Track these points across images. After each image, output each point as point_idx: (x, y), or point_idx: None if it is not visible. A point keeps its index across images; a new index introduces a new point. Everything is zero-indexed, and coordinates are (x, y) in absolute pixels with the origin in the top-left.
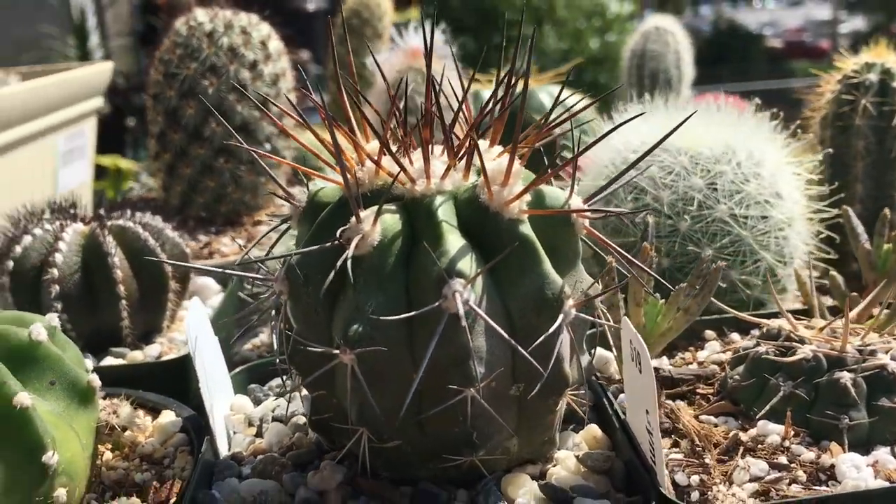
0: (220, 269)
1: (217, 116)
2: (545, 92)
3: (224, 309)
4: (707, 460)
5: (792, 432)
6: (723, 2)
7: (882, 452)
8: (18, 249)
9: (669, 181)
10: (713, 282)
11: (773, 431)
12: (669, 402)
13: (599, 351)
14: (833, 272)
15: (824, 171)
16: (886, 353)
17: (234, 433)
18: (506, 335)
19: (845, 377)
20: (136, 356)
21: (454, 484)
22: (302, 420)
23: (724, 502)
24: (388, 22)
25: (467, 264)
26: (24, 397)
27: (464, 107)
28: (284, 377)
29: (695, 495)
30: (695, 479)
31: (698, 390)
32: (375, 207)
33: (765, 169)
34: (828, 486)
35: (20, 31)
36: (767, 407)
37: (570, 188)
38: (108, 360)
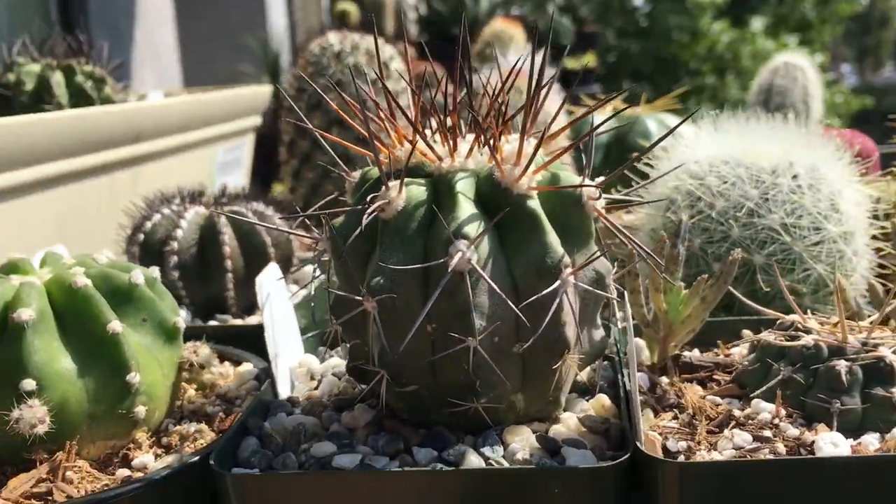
0: (286, 230)
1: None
2: (653, 119)
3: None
4: (700, 431)
5: (783, 412)
6: None
7: (869, 437)
8: (149, 225)
9: (724, 190)
10: (730, 272)
11: (765, 410)
12: (680, 382)
13: (635, 340)
14: (873, 280)
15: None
16: (889, 347)
17: (297, 384)
18: (497, 289)
19: (841, 364)
20: (236, 322)
21: (465, 431)
22: None
23: (694, 459)
24: (521, 51)
25: (473, 228)
26: (116, 324)
27: (497, 100)
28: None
29: (679, 458)
30: (682, 444)
31: (715, 376)
32: (399, 180)
33: (825, 184)
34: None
35: (224, 71)
36: (764, 388)
37: (584, 173)
38: (212, 323)
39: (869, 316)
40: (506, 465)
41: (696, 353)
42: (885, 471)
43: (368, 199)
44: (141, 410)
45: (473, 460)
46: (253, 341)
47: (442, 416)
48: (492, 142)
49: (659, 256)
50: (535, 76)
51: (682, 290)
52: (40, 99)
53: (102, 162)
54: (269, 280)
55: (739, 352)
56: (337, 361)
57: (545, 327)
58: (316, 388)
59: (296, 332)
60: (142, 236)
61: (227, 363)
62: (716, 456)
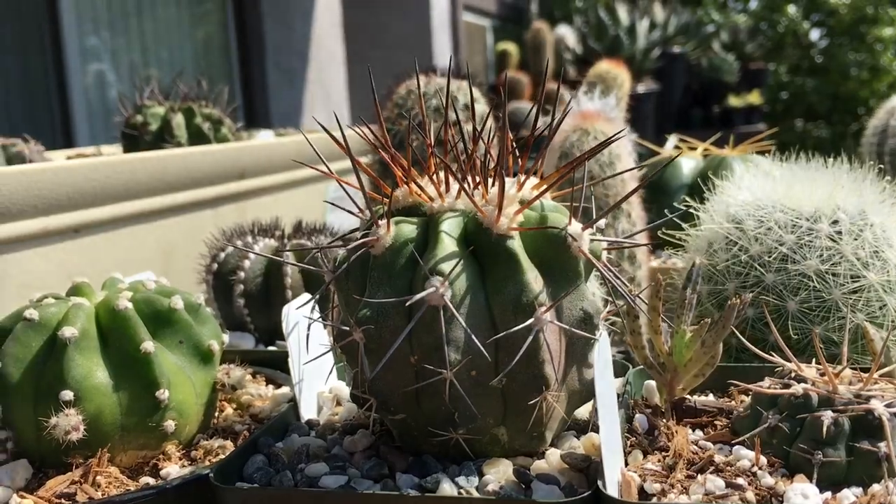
0: (295, 264)
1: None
2: (740, 160)
3: None
4: (677, 474)
5: (764, 460)
6: None
7: (847, 492)
8: (222, 256)
9: (759, 234)
10: (729, 317)
11: (746, 457)
12: (675, 425)
13: (649, 382)
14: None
15: None
16: (883, 401)
17: (324, 409)
18: (463, 323)
19: (826, 415)
20: None
21: (452, 461)
22: None
23: (661, 502)
24: (625, 92)
25: (448, 266)
26: (148, 345)
27: (489, 144)
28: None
29: (652, 500)
30: (656, 486)
31: (716, 422)
32: (388, 219)
33: (869, 231)
34: None
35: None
36: (749, 434)
37: (570, 215)
38: (271, 349)
39: None
40: (476, 494)
41: (710, 398)
42: None
43: (360, 234)
44: (170, 425)
45: (447, 488)
46: None
47: (430, 446)
48: (473, 184)
49: (656, 298)
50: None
51: (685, 333)
52: (162, 139)
53: (207, 196)
54: (296, 309)
55: (747, 403)
56: None
57: (524, 364)
58: (338, 413)
59: (330, 358)
60: (216, 266)
61: (270, 386)
62: (682, 499)
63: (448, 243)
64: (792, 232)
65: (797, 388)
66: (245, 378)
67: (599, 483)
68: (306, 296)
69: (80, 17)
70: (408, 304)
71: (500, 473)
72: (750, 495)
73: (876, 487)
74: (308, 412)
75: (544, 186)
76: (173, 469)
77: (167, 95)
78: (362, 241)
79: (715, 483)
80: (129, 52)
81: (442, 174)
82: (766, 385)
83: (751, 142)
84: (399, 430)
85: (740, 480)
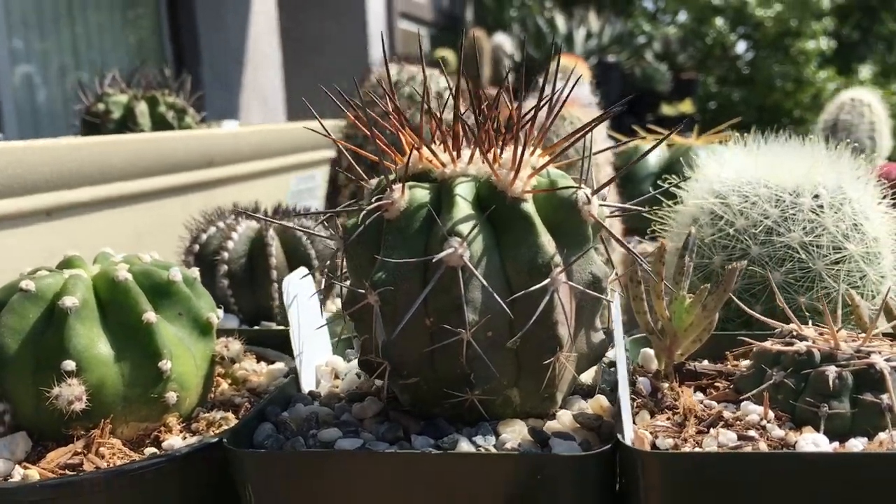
0: (310, 232)
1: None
2: (705, 149)
3: None
4: (689, 430)
5: (771, 414)
6: None
7: (855, 441)
8: (203, 237)
9: (744, 208)
10: (730, 280)
11: (754, 411)
12: (679, 387)
13: (645, 350)
14: (890, 298)
15: None
16: (882, 355)
17: (322, 381)
18: (484, 282)
19: (830, 370)
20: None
21: (464, 423)
22: None
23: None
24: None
25: (466, 227)
26: (150, 315)
27: (495, 111)
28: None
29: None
30: (668, 441)
31: (716, 384)
32: (402, 183)
33: (848, 205)
34: None
35: (327, 116)
36: (755, 391)
37: (581, 179)
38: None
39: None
40: (495, 452)
41: (706, 363)
42: (860, 467)
43: (373, 199)
44: (172, 396)
45: (465, 448)
46: (290, 345)
47: (443, 409)
48: (491, 149)
49: (659, 263)
50: (543, 93)
51: (686, 299)
52: (125, 127)
53: (176, 184)
54: (296, 281)
55: (747, 364)
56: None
57: (537, 324)
58: (338, 386)
59: (325, 333)
60: (197, 247)
61: (262, 363)
62: (696, 450)
63: (464, 206)
64: (776, 206)
65: (800, 346)
66: (243, 352)
67: (619, 436)
68: (303, 269)
69: (9, 19)
70: (433, 261)
71: (515, 433)
72: (763, 445)
73: (882, 435)
74: (308, 384)
75: (554, 152)
76: (175, 440)
77: (128, 83)
78: (377, 204)
79: (727, 436)
80: (60, 54)
81: (450, 142)
82: (769, 345)
83: (714, 132)
84: (411, 395)
85: (752, 433)
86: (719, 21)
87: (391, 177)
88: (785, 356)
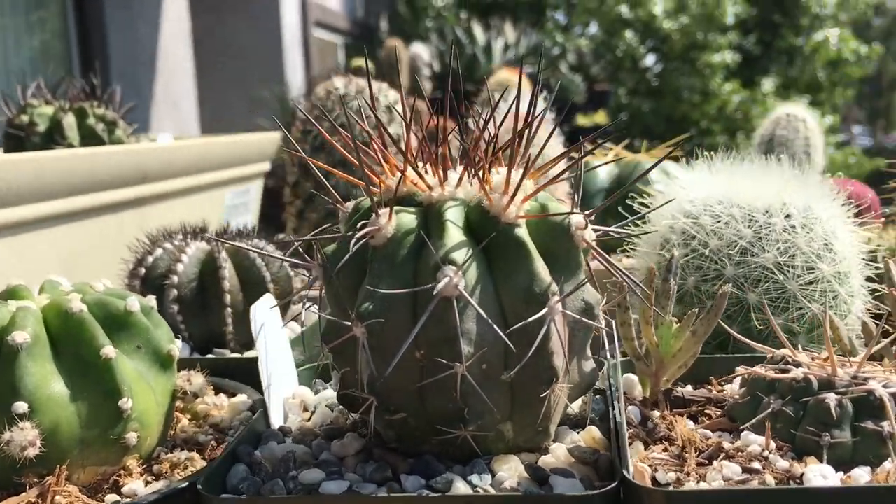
0: (280, 258)
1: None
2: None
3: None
4: (691, 463)
5: (773, 444)
6: None
7: (859, 471)
8: (150, 259)
9: (717, 229)
10: (720, 305)
11: (755, 442)
12: (671, 415)
13: (628, 375)
14: (866, 319)
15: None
16: (880, 381)
17: (291, 415)
18: (483, 313)
19: (831, 398)
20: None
21: (454, 460)
22: None
23: (680, 487)
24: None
25: (461, 255)
26: (109, 350)
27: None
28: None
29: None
30: (671, 476)
31: (706, 411)
32: (389, 208)
33: (818, 224)
34: None
35: (241, 123)
36: (754, 420)
37: (571, 203)
38: (211, 356)
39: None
40: (493, 492)
41: (689, 388)
42: (872, 501)
43: (359, 225)
44: (132, 437)
45: (461, 488)
46: (249, 374)
47: (431, 445)
48: (481, 172)
49: (648, 289)
50: (528, 110)
51: (673, 324)
52: (52, 140)
53: (109, 201)
54: (264, 310)
55: (732, 388)
56: (330, 393)
57: (533, 355)
58: (309, 420)
59: (291, 363)
60: (143, 270)
61: (222, 395)
62: (703, 486)
63: (455, 232)
64: (749, 226)
65: (797, 373)
66: (207, 386)
67: (625, 473)
68: (269, 296)
69: None
70: (433, 292)
71: (511, 470)
72: (769, 478)
73: (887, 465)
74: (277, 419)
75: (543, 175)
76: (137, 485)
77: (54, 94)
78: (364, 231)
79: (731, 469)
80: None
81: (430, 164)
82: (763, 371)
83: (664, 146)
84: (396, 431)
85: (756, 465)
86: (629, 34)
87: (374, 200)
88: (781, 383)
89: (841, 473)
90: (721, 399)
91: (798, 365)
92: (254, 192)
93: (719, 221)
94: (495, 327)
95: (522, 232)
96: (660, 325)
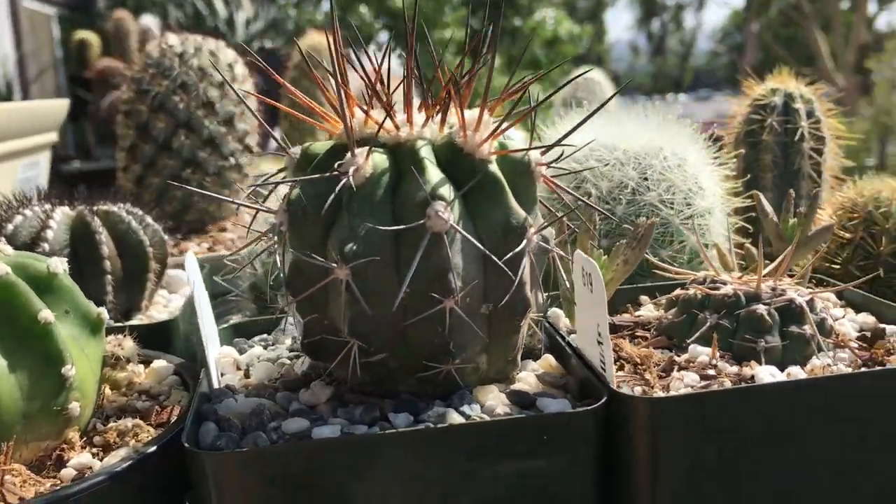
0: (231, 201)
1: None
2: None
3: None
4: (647, 376)
5: (718, 354)
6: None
7: (794, 369)
8: (10, 227)
9: (606, 171)
10: (648, 235)
11: (702, 353)
12: (612, 339)
13: (552, 309)
14: (748, 244)
15: (738, 182)
16: (795, 292)
17: (224, 374)
18: (481, 246)
19: (761, 308)
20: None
21: (431, 397)
22: (288, 361)
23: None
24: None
25: (447, 191)
26: (47, 313)
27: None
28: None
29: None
30: (637, 389)
31: (637, 334)
32: (367, 147)
33: (688, 164)
34: None
35: None
36: (697, 334)
37: (529, 140)
38: None
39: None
40: (489, 419)
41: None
42: (825, 389)
43: (337, 165)
44: (75, 407)
45: (457, 418)
46: (151, 340)
47: (407, 385)
48: (444, 111)
49: (589, 223)
50: (484, 45)
51: (601, 255)
52: None
53: None
54: (192, 265)
55: (645, 312)
56: (260, 351)
57: (510, 287)
58: (247, 378)
59: (213, 324)
60: (2, 240)
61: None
62: (683, 391)
63: (434, 170)
64: (634, 168)
65: (728, 289)
66: (136, 352)
67: (614, 387)
68: (191, 253)
69: None
70: (402, 232)
71: (496, 399)
72: (726, 381)
73: (816, 361)
74: (214, 381)
75: (505, 113)
76: (84, 458)
77: None
78: (339, 171)
79: (690, 377)
80: None
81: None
82: (693, 292)
83: None
84: (374, 374)
85: (711, 371)
86: (363, 9)
87: (313, 146)
88: (712, 300)
89: (783, 373)
90: (646, 322)
91: (724, 283)
92: (43, 164)
93: (607, 165)
94: (495, 258)
95: (495, 168)
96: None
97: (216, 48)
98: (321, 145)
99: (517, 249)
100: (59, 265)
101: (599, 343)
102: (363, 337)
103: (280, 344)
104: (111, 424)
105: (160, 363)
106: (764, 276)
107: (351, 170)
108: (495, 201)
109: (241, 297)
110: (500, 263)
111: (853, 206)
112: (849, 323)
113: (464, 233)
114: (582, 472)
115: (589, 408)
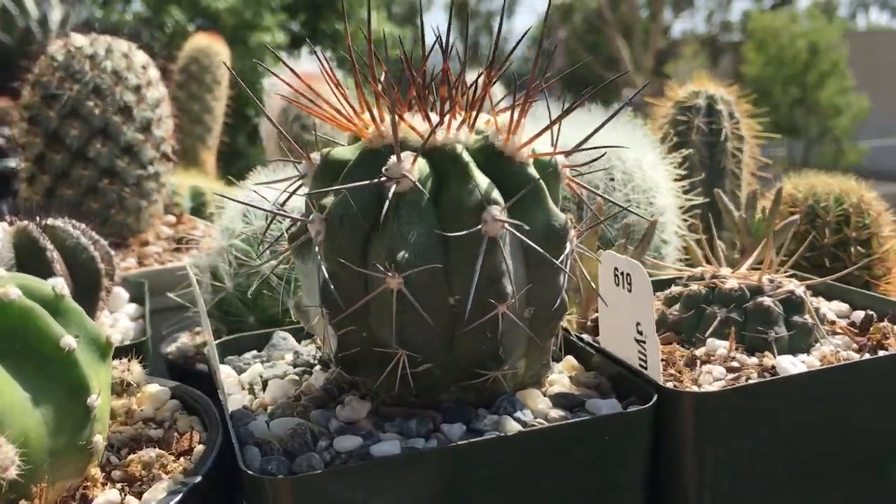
0: (252, 205)
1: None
2: None
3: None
4: (673, 371)
5: (735, 346)
6: None
7: (804, 357)
8: None
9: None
10: (650, 235)
11: (720, 346)
12: None
13: None
14: (716, 239)
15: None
16: (793, 284)
17: (230, 395)
18: (541, 249)
19: (767, 300)
20: None
21: (472, 405)
22: (296, 377)
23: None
24: (226, 71)
25: (498, 194)
26: (70, 340)
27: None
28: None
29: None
30: (669, 385)
31: None
32: (415, 152)
33: (645, 165)
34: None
35: None
36: (711, 329)
37: (554, 144)
38: None
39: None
40: (549, 424)
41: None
42: (859, 371)
43: (385, 171)
44: (99, 440)
45: (513, 425)
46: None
47: (449, 394)
48: (476, 115)
49: (600, 214)
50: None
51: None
52: None
53: None
54: (192, 277)
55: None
56: (259, 368)
57: (551, 290)
58: (252, 395)
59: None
60: None
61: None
62: (707, 388)
63: (479, 174)
64: (601, 170)
65: (732, 283)
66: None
67: (662, 385)
68: (187, 259)
69: None
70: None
71: (543, 403)
72: (752, 373)
73: (825, 349)
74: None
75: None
76: (111, 495)
77: None
78: (389, 177)
79: (717, 370)
80: None
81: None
82: (696, 287)
83: None
84: (417, 385)
85: (735, 363)
86: (177, 11)
87: (333, 151)
88: (718, 294)
89: (797, 359)
90: None
91: (725, 278)
92: None
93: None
94: (546, 255)
95: (534, 170)
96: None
97: (128, 50)
98: (343, 151)
99: (566, 251)
100: (64, 286)
101: (639, 341)
102: (413, 347)
103: (276, 360)
104: (132, 457)
105: (154, 387)
106: (754, 270)
107: (399, 175)
108: (538, 204)
109: (198, 313)
110: (547, 266)
111: (793, 200)
112: (830, 311)
113: (522, 236)
114: (634, 464)
115: (645, 406)
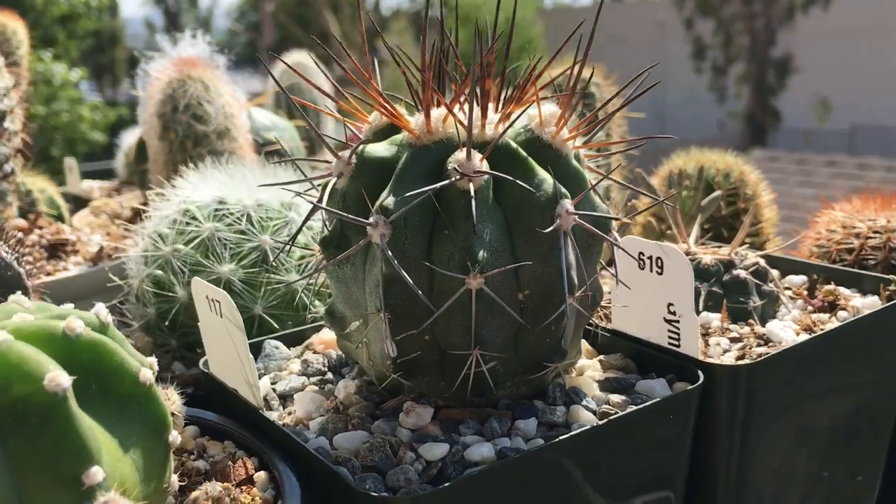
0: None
1: None
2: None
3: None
4: None
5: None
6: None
7: (779, 322)
8: None
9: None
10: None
11: (714, 319)
12: None
13: None
14: (650, 219)
15: None
16: (752, 258)
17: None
18: (616, 241)
19: (742, 273)
20: None
21: (528, 399)
22: (315, 387)
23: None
24: (25, 52)
25: (561, 188)
26: (148, 373)
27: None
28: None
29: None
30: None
31: None
32: (483, 150)
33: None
34: (768, 346)
35: None
36: (701, 304)
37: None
38: None
39: None
40: (615, 410)
41: None
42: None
43: (459, 168)
44: (175, 480)
45: (584, 414)
46: None
47: (505, 389)
48: (520, 108)
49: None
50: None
51: None
52: None
53: None
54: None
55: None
56: (266, 381)
57: (593, 279)
58: (269, 409)
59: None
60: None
61: None
62: (724, 360)
63: (540, 169)
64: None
65: (708, 259)
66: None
67: (706, 361)
68: (197, 279)
69: None
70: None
71: (596, 389)
72: (752, 341)
73: (794, 313)
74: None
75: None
76: None
77: None
78: (464, 174)
79: (723, 342)
80: None
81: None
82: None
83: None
84: (478, 384)
85: (734, 333)
86: None
87: (367, 149)
88: (698, 270)
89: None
90: None
91: (696, 255)
92: None
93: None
94: (613, 240)
95: (577, 163)
96: None
97: None
98: (378, 148)
99: (611, 239)
100: (106, 313)
101: (670, 321)
102: (489, 346)
103: (275, 371)
104: (196, 494)
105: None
106: (722, 246)
107: (473, 172)
108: (586, 196)
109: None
110: (593, 254)
111: (687, 176)
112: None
113: (594, 230)
114: (684, 435)
115: (698, 384)
